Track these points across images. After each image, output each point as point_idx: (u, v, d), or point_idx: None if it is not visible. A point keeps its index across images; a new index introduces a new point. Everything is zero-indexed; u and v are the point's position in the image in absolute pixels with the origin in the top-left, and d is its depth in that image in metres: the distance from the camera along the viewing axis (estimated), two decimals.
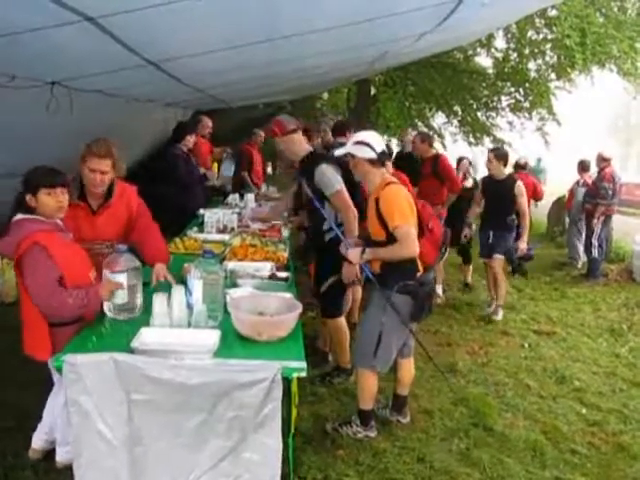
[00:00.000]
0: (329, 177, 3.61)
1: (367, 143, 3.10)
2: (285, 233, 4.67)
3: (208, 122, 6.86)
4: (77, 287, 2.54)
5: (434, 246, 3.27)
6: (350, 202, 3.59)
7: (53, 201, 2.61)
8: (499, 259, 5.88)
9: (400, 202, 3.05)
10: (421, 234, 3.14)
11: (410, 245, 3.00)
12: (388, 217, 3.01)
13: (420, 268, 3.15)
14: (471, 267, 7.14)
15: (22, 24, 1.97)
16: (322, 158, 3.76)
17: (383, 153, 3.13)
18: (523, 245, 5.69)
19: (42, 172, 2.65)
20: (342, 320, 4.00)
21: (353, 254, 3.19)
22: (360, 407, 3.39)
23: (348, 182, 3.64)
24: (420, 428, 3.56)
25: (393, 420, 3.58)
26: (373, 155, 3.09)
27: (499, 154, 5.83)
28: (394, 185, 3.12)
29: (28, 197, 2.59)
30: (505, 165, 5.88)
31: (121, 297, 2.62)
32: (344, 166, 3.59)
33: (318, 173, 3.62)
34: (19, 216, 2.60)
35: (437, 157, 6.52)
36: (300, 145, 3.84)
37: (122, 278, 2.60)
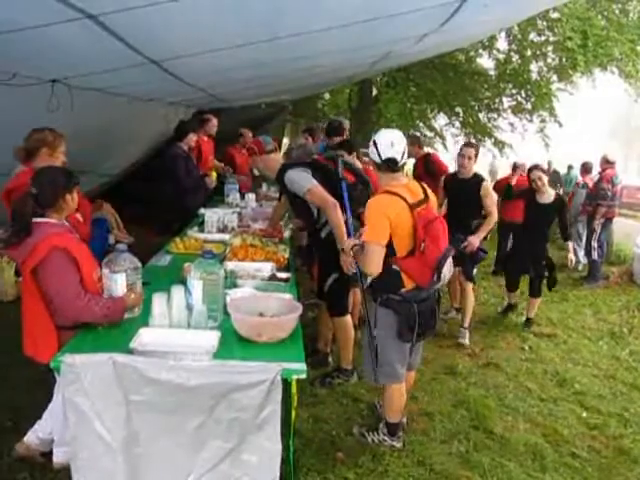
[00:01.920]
0: (296, 180, 3.70)
1: (375, 144, 2.99)
2: (286, 233, 4.65)
3: (215, 121, 6.82)
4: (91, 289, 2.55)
5: (426, 267, 2.89)
6: (325, 195, 3.58)
7: (74, 201, 2.70)
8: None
9: (375, 216, 2.89)
10: (412, 252, 2.90)
11: (368, 264, 2.89)
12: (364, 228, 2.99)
13: (406, 284, 2.95)
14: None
15: (23, 21, 1.96)
16: (286, 166, 3.87)
17: (389, 159, 2.94)
18: (475, 240, 4.87)
19: (68, 172, 2.72)
20: (348, 319, 3.98)
21: (348, 242, 3.22)
22: (386, 420, 3.34)
23: (326, 180, 3.70)
24: (420, 430, 3.54)
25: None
26: (376, 158, 2.99)
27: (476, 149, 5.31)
28: (383, 195, 2.94)
29: (65, 197, 2.62)
30: (475, 162, 5.25)
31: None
32: (317, 165, 3.79)
33: (287, 181, 3.74)
34: (35, 220, 2.57)
35: (427, 155, 6.60)
36: (276, 163, 4.01)
37: (121, 278, 2.59)
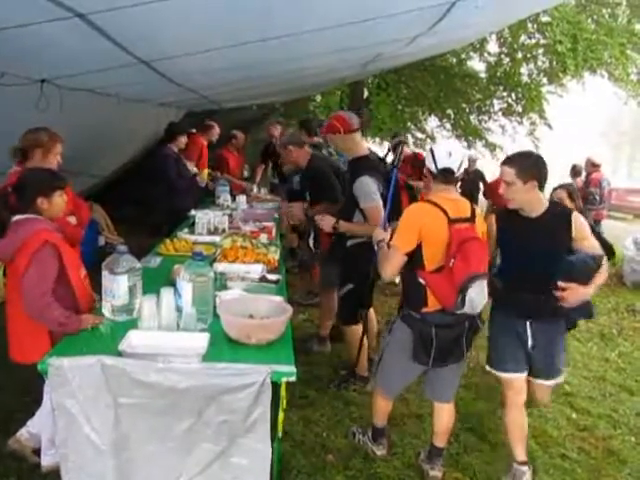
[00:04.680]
0: (369, 189, 3.56)
1: (432, 153, 2.86)
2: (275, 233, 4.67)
3: (217, 129, 7.06)
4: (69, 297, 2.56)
5: (452, 287, 2.66)
6: (380, 217, 3.43)
7: (62, 202, 2.70)
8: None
9: (407, 223, 2.80)
10: (441, 268, 2.74)
11: (385, 265, 2.84)
12: None
13: (430, 302, 2.79)
14: None
15: (11, 19, 1.94)
16: (366, 169, 3.65)
17: (445, 169, 2.79)
18: (585, 291, 3.52)
19: (52, 174, 2.72)
20: (359, 328, 3.90)
21: (326, 221, 3.63)
22: (372, 422, 3.34)
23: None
24: (410, 433, 3.54)
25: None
26: (432, 167, 2.85)
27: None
28: (422, 204, 2.87)
29: (40, 200, 2.58)
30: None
31: (122, 299, 2.60)
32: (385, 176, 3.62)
33: (358, 183, 3.59)
34: (19, 217, 2.56)
35: (415, 154, 6.66)
36: (356, 147, 3.79)
37: (123, 279, 2.57)
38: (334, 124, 3.72)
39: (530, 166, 2.81)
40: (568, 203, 3.98)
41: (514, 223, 2.95)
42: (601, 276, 2.85)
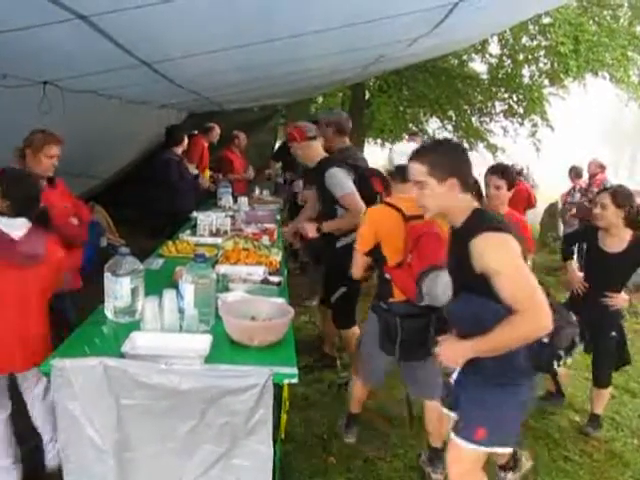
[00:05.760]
0: (339, 179, 3.68)
1: (390, 152, 3.04)
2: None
3: (218, 130, 7.23)
4: None
5: (413, 280, 2.73)
6: (359, 202, 3.59)
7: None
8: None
9: (364, 225, 2.99)
10: (401, 264, 2.85)
11: (352, 266, 3.07)
12: None
13: (396, 294, 2.92)
14: None
15: (13, 21, 1.94)
16: (332, 162, 3.81)
17: (400, 167, 2.76)
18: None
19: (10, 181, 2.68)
20: (356, 330, 3.93)
21: (308, 227, 3.75)
22: (348, 409, 3.45)
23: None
24: (412, 435, 3.53)
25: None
26: (390, 166, 3.00)
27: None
28: (378, 206, 3.08)
29: None
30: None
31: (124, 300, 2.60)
32: (357, 171, 3.76)
33: (328, 176, 3.70)
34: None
35: None
36: (317, 152, 3.91)
37: (125, 281, 2.58)
38: (291, 133, 3.93)
39: (447, 160, 2.13)
40: (613, 210, 3.39)
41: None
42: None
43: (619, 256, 3.49)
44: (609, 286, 3.57)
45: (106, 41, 2.35)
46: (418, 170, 2.13)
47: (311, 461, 3.17)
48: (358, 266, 3.05)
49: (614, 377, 4.52)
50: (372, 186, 3.75)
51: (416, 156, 2.17)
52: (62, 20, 1.94)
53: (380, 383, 3.34)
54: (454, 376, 2.39)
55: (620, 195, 3.42)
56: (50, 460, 2.82)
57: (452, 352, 2.16)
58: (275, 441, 2.31)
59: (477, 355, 2.08)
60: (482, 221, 2.08)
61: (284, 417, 2.38)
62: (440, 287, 2.64)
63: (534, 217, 10.15)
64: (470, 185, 2.17)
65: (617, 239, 3.49)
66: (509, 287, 1.97)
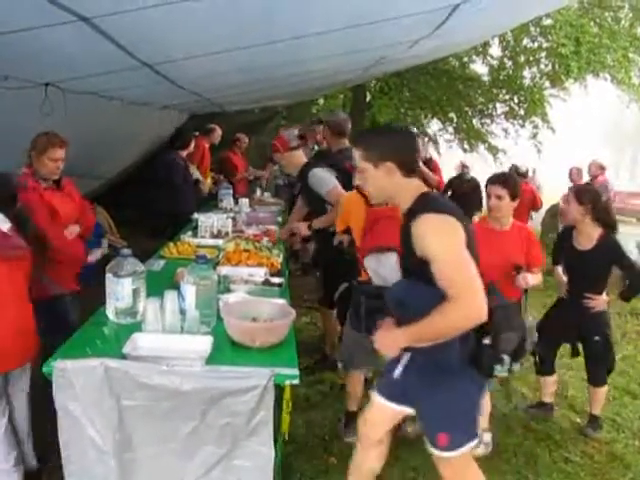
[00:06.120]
0: (320, 178, 3.81)
1: None
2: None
3: (220, 132, 7.32)
4: None
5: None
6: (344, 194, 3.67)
7: None
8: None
9: (339, 209, 3.38)
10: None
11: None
12: None
13: (362, 273, 3.05)
14: None
15: (16, 23, 1.95)
16: (312, 165, 3.96)
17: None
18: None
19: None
20: None
21: (300, 226, 4.03)
22: (346, 407, 3.47)
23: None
24: (412, 436, 3.53)
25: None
26: None
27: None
28: (346, 194, 3.41)
29: None
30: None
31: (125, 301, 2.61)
32: (341, 169, 3.86)
33: (311, 178, 3.84)
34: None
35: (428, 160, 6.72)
36: (300, 160, 4.06)
37: (127, 282, 2.58)
38: (274, 144, 4.12)
39: (381, 143, 2.10)
40: (575, 206, 3.52)
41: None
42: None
43: (589, 253, 3.60)
44: (587, 285, 3.70)
45: (108, 43, 2.36)
46: (356, 155, 2.13)
47: (312, 462, 3.17)
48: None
49: (614, 379, 4.54)
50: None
51: (354, 142, 2.21)
52: (64, 22, 1.94)
53: (362, 367, 3.35)
54: (396, 372, 2.25)
55: (582, 192, 3.55)
56: (31, 459, 2.84)
57: (387, 339, 2.10)
58: (276, 442, 2.31)
59: (410, 344, 2.03)
60: (426, 203, 2.03)
61: (287, 418, 2.39)
62: (387, 268, 2.66)
63: (535, 218, 10.14)
64: (415, 170, 2.12)
65: (586, 236, 3.60)
66: (445, 271, 1.88)
